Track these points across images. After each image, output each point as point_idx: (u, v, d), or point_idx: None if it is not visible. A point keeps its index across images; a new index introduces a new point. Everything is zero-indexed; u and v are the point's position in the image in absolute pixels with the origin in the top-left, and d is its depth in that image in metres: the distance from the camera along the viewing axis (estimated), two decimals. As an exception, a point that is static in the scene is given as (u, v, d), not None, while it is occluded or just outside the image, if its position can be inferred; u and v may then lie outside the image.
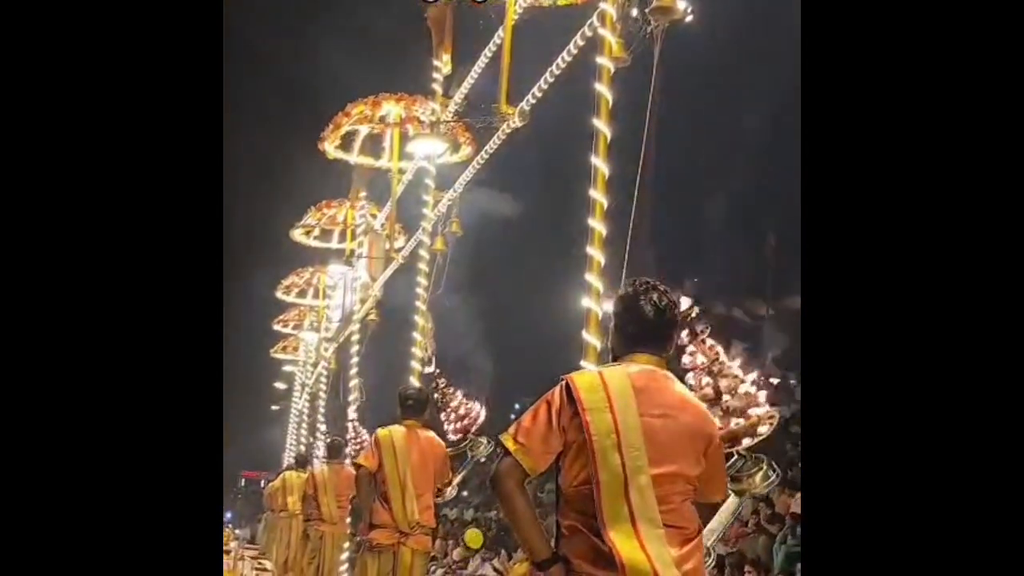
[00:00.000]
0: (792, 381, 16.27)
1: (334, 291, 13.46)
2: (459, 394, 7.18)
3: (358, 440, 9.53)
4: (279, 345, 19.25)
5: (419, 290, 8.28)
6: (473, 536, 14.21)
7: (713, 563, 3.64)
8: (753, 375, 3.70)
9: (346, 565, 9.36)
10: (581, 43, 5.59)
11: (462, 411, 7.03)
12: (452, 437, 6.88)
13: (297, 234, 13.71)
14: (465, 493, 24.63)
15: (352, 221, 12.46)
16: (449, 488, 6.54)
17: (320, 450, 12.47)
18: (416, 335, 8.06)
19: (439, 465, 6.30)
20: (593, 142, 4.85)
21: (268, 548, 12.50)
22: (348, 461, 9.90)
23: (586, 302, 4.76)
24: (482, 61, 7.30)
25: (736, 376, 3.69)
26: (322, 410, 13.77)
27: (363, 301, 10.71)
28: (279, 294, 16.25)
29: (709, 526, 3.47)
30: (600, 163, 4.82)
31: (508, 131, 6.57)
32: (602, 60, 4.92)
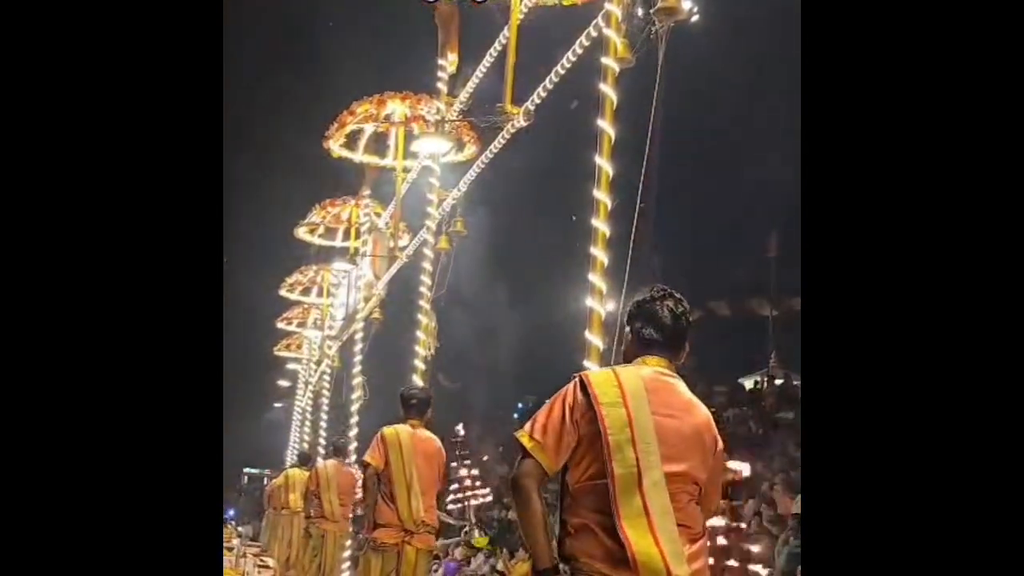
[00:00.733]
0: (796, 382, 16.25)
1: (338, 289, 13.47)
2: (474, 471, 7.16)
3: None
4: (283, 343, 19.28)
5: (423, 289, 8.29)
6: (479, 538, 14.24)
7: None
8: None
9: (348, 563, 9.38)
10: (586, 43, 5.60)
11: (468, 484, 7.01)
12: (450, 507, 6.82)
13: (302, 232, 13.72)
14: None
15: (356, 219, 12.47)
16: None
17: (323, 448, 12.50)
18: (419, 334, 8.07)
19: (441, 466, 6.33)
20: (597, 142, 4.86)
21: (270, 546, 12.52)
22: (353, 459, 9.94)
23: (589, 302, 4.77)
24: (487, 60, 7.30)
25: None
26: (325, 408, 13.79)
27: (367, 299, 10.72)
28: (283, 292, 16.27)
29: None
30: (604, 163, 4.83)
31: (512, 131, 6.57)
32: (607, 60, 4.92)
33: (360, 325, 10.91)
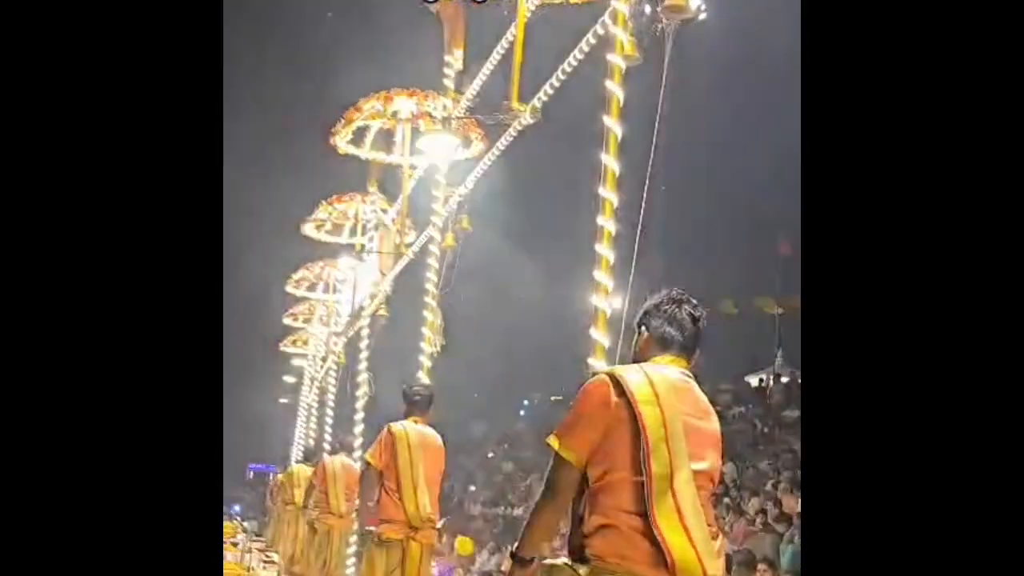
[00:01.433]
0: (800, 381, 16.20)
1: (344, 285, 13.48)
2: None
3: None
4: (289, 339, 19.31)
5: (429, 286, 8.30)
6: (463, 543, 14.18)
7: None
8: None
9: (353, 559, 9.39)
10: (593, 41, 5.59)
11: None
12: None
13: (308, 228, 13.73)
14: (473, 488, 24.70)
15: (363, 216, 12.47)
16: None
17: (329, 444, 12.50)
18: (425, 331, 8.07)
19: (443, 462, 6.37)
20: (604, 140, 4.86)
21: (275, 541, 12.54)
22: (358, 455, 9.94)
23: (595, 300, 4.77)
24: (495, 57, 7.29)
25: None
26: (331, 404, 13.81)
27: (373, 296, 10.72)
28: (289, 288, 16.28)
29: None
30: (610, 161, 4.83)
31: (519, 128, 6.57)
32: (613, 58, 4.92)
33: (366, 322, 10.91)
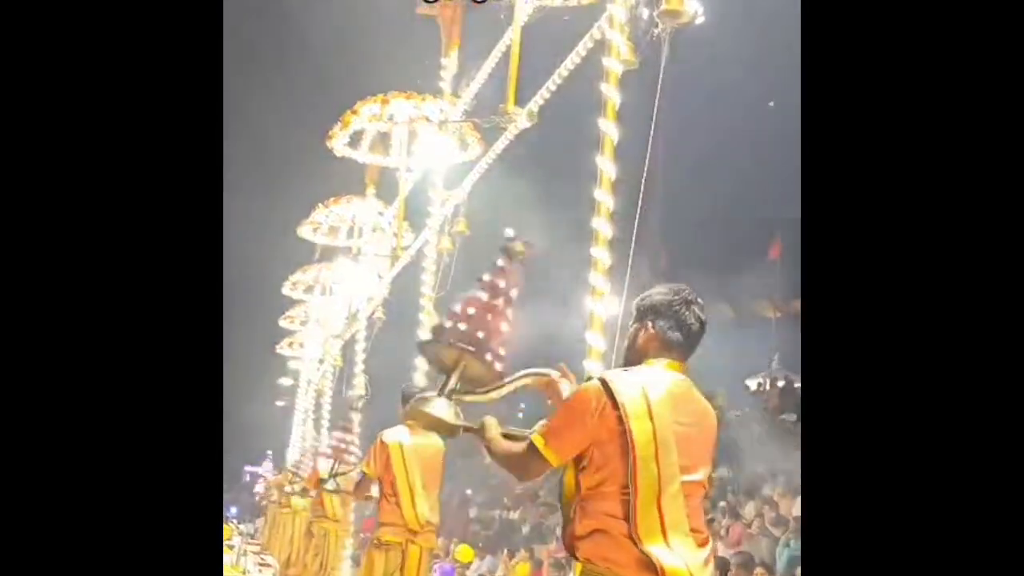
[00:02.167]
0: (797, 384, 16.22)
1: (340, 288, 13.47)
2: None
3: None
4: (285, 341, 19.28)
5: (425, 289, 8.30)
6: (464, 551, 14.18)
7: None
8: None
9: (349, 562, 9.38)
10: (590, 45, 5.60)
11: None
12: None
13: (305, 231, 13.72)
14: (469, 491, 24.66)
15: (360, 219, 12.47)
16: None
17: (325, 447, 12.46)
18: (421, 333, 8.07)
19: (440, 463, 6.36)
20: (599, 143, 4.86)
21: (271, 544, 12.52)
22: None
23: (590, 303, 4.77)
24: (492, 61, 7.30)
25: None
26: (327, 407, 13.79)
27: (369, 299, 10.72)
28: (286, 290, 16.27)
29: None
30: (606, 164, 4.83)
31: (515, 132, 6.57)
32: (608, 61, 4.92)
33: (362, 324, 10.91)
